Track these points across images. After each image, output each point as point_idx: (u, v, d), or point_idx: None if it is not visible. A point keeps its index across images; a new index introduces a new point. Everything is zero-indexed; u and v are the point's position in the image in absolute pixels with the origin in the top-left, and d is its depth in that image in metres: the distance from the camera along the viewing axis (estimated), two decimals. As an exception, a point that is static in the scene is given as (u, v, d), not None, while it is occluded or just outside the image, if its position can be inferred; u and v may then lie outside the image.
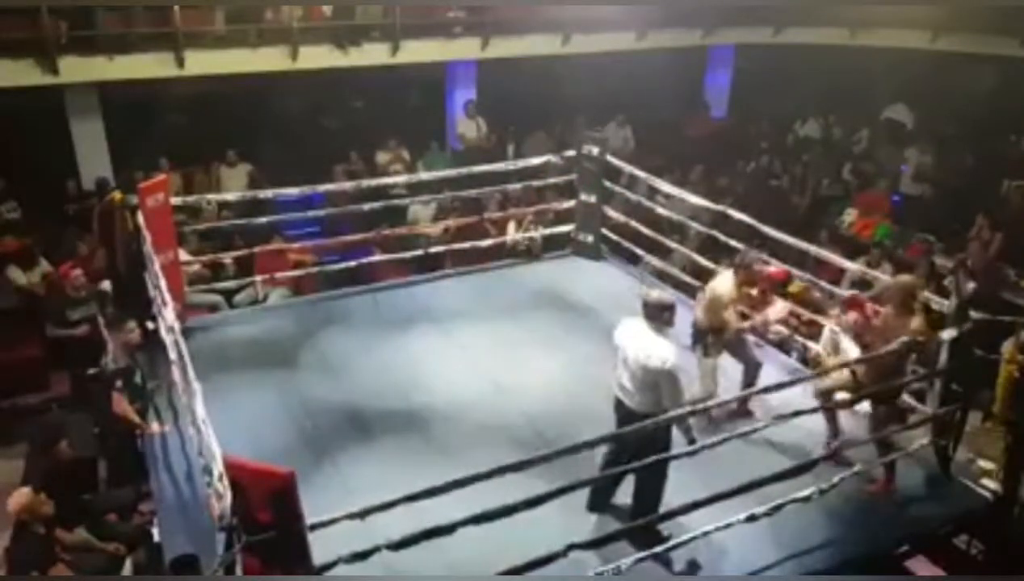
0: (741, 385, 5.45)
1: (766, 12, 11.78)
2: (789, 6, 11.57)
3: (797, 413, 4.46)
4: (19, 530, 4.98)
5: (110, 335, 5.85)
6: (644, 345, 4.17)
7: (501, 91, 11.51)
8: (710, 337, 5.29)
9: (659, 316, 4.22)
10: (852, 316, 5.05)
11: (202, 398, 3.98)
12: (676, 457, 4.08)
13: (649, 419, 4.08)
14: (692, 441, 4.18)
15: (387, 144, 10.66)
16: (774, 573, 4.30)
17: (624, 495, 4.49)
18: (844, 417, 5.18)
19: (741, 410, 5.43)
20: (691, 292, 7.45)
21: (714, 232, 6.85)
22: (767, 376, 5.54)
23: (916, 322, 4.64)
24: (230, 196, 8.02)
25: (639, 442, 4.14)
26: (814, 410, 4.75)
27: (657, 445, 4.14)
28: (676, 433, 4.23)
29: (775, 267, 6.02)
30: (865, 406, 5.57)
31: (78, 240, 8.25)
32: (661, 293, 4.43)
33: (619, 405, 4.37)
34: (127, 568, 5.37)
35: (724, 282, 5.34)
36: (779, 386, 4.66)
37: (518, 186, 8.46)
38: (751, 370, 5.52)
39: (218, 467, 3.22)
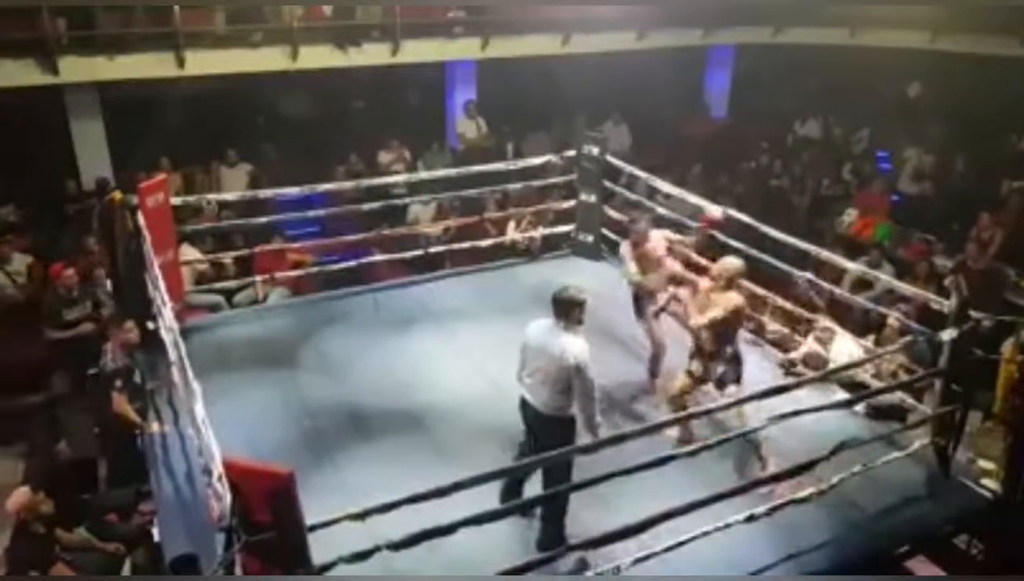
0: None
1: (766, 12, 11.80)
2: (789, 6, 11.58)
3: (796, 412, 4.45)
4: (19, 530, 4.98)
5: (108, 334, 5.86)
6: (556, 343, 4.14)
7: (501, 91, 11.52)
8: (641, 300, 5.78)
9: (569, 314, 4.20)
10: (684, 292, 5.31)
11: (202, 398, 3.98)
12: (676, 458, 4.08)
13: (555, 420, 4.17)
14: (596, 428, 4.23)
15: (389, 144, 10.66)
16: (774, 573, 4.30)
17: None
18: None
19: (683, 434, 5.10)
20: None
21: (714, 231, 6.84)
22: (758, 375, 5.54)
23: (736, 297, 4.95)
24: (230, 196, 8.01)
25: (549, 441, 4.07)
26: (800, 412, 4.66)
27: (567, 436, 4.19)
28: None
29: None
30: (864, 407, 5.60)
31: (84, 238, 8.22)
32: (572, 290, 4.31)
33: (525, 404, 4.31)
34: (127, 568, 5.37)
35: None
36: (778, 389, 4.64)
37: (518, 186, 8.46)
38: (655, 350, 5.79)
39: (218, 467, 3.22)
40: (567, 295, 4.24)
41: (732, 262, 5.11)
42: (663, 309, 5.63)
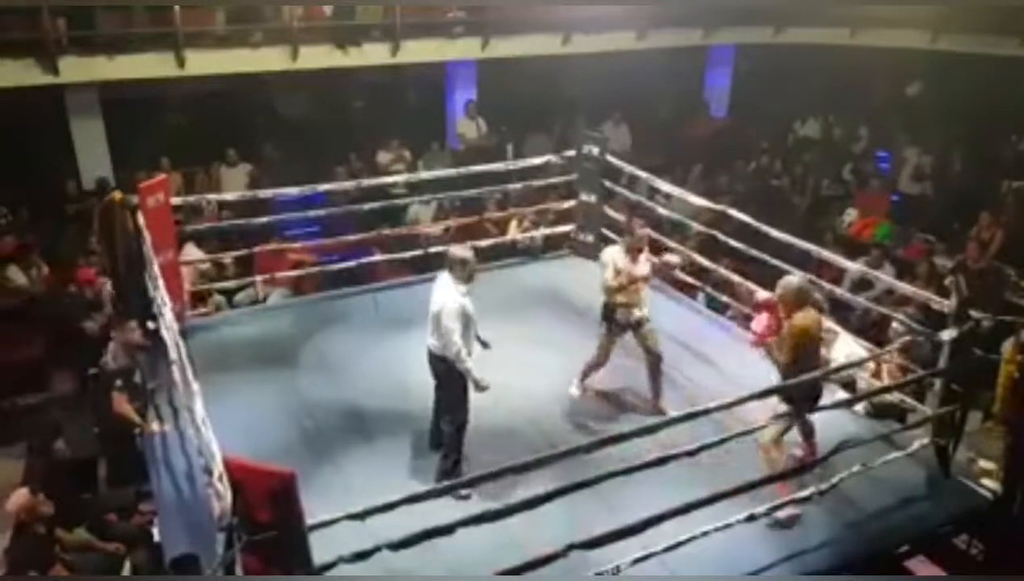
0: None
1: (766, 12, 11.80)
2: (789, 6, 11.58)
3: (797, 412, 4.45)
4: (19, 530, 4.98)
5: (112, 335, 5.86)
6: (438, 294, 4.79)
7: (501, 91, 11.52)
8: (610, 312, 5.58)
9: (456, 269, 4.76)
10: (764, 318, 4.71)
11: (202, 398, 3.98)
12: (675, 457, 4.07)
13: (440, 358, 4.80)
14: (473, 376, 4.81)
15: (389, 144, 10.66)
16: (774, 573, 4.30)
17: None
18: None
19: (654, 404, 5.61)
20: (691, 293, 7.47)
21: (714, 232, 6.84)
22: (755, 374, 5.53)
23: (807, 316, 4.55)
24: (230, 196, 8.01)
25: (442, 378, 4.90)
26: (815, 409, 4.72)
27: (454, 377, 4.80)
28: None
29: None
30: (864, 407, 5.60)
31: (88, 238, 8.23)
32: (461, 249, 4.92)
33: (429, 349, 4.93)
34: (127, 568, 5.37)
35: (613, 251, 5.57)
36: (778, 389, 4.64)
37: (518, 186, 8.46)
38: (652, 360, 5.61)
39: (218, 467, 3.21)
40: (450, 253, 4.86)
41: (786, 282, 4.64)
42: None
